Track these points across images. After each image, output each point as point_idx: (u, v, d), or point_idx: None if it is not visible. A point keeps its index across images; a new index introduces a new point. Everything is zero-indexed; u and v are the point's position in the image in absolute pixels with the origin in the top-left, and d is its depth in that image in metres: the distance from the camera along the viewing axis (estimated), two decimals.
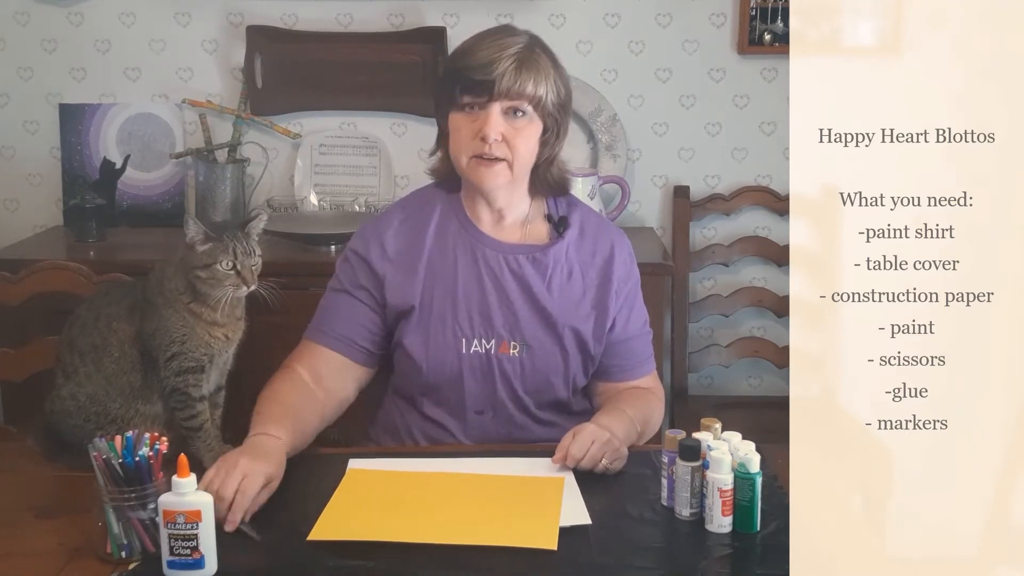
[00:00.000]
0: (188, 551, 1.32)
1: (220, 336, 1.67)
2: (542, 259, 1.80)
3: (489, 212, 1.82)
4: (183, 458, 1.34)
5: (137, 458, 1.38)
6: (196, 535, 1.31)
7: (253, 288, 1.65)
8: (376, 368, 1.84)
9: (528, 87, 1.70)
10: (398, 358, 1.81)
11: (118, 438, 1.40)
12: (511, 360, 1.78)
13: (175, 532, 1.31)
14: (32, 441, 1.73)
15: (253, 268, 1.65)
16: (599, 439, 1.61)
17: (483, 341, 1.78)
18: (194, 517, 1.31)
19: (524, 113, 1.72)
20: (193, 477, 1.34)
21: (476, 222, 1.82)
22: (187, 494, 1.32)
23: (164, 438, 1.43)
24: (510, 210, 1.82)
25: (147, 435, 1.42)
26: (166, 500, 1.32)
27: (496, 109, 1.70)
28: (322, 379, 1.76)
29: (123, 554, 1.38)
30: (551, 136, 1.77)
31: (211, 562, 1.33)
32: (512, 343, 1.78)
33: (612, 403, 1.81)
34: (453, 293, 1.78)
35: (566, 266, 1.81)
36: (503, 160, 1.73)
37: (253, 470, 1.46)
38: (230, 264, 1.62)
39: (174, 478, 1.33)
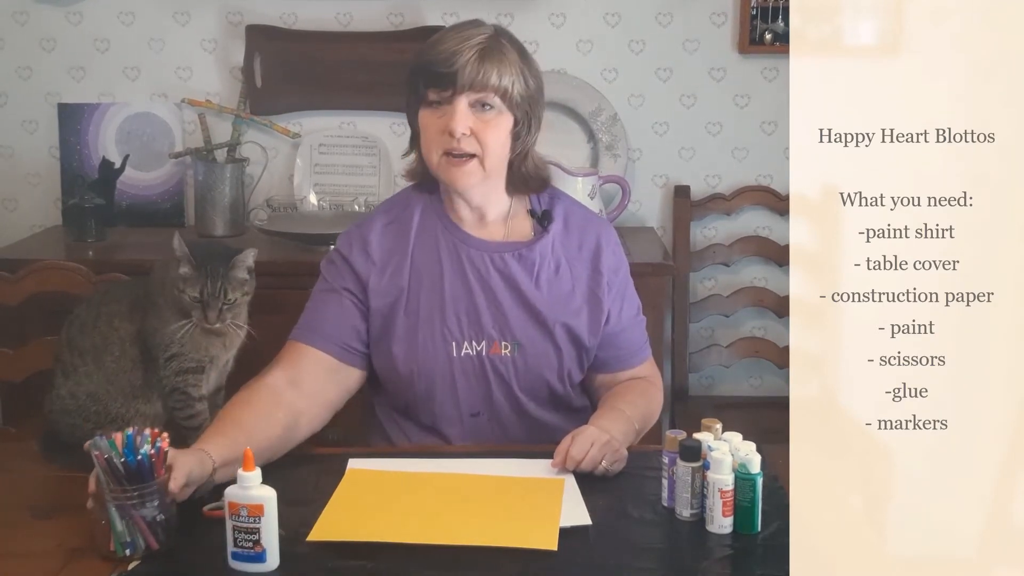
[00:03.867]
0: (251, 544, 1.34)
1: (218, 344, 1.66)
2: (528, 255, 1.78)
3: (469, 211, 1.79)
4: (248, 451, 1.36)
5: (139, 456, 1.38)
6: (259, 529, 1.33)
7: (218, 327, 1.61)
8: (365, 371, 1.79)
9: (492, 78, 1.67)
10: (387, 367, 1.78)
11: (118, 436, 1.40)
12: (503, 360, 1.77)
13: (239, 524, 1.34)
14: (36, 444, 1.73)
15: (223, 307, 1.60)
16: (598, 441, 1.61)
17: (473, 343, 1.76)
18: (257, 511, 1.33)
19: (492, 106, 1.69)
20: (258, 471, 1.35)
21: (458, 222, 1.79)
22: (251, 488, 1.34)
23: (166, 433, 1.42)
24: (489, 207, 1.80)
25: (147, 432, 1.42)
26: (231, 492, 1.35)
27: (462, 103, 1.68)
28: (303, 383, 1.70)
29: (127, 552, 1.38)
30: (522, 129, 1.74)
31: (273, 556, 1.35)
32: (503, 343, 1.76)
33: (610, 402, 1.80)
34: (440, 296, 1.76)
35: (553, 261, 1.79)
36: (474, 156, 1.70)
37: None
38: (196, 296, 1.60)
39: (240, 471, 1.35)
